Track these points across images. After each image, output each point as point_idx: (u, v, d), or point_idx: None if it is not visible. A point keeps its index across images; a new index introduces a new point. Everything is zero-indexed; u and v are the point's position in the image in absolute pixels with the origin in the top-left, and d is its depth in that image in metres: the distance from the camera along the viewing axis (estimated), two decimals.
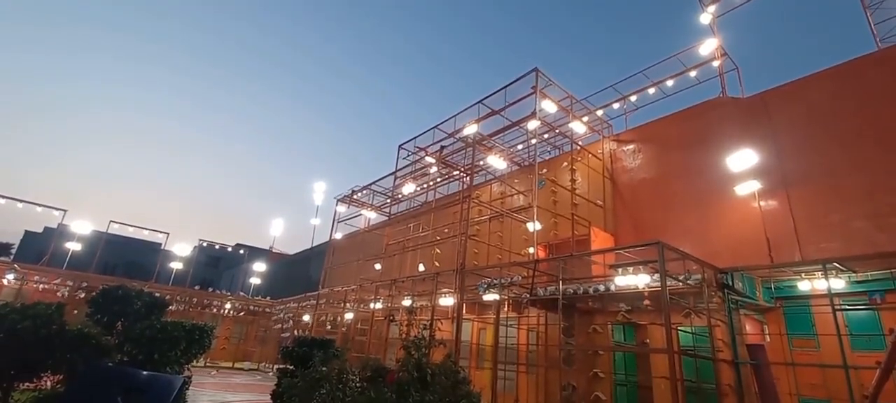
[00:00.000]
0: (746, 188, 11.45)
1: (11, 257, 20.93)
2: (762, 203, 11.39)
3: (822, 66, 11.69)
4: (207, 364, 22.76)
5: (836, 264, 8.19)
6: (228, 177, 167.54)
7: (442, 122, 18.50)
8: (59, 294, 20.55)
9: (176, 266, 29.72)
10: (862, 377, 7.61)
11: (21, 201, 22.29)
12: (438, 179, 21.09)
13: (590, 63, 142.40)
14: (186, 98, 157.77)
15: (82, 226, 23.93)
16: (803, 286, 9.28)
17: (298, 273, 41.06)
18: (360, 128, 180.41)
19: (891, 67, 10.44)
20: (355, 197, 22.27)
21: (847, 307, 8.84)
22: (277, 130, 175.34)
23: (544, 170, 16.61)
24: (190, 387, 8.11)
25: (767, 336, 9.90)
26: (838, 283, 8.61)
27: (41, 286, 20.59)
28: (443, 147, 18.52)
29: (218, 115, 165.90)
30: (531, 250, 13.47)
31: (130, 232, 30.62)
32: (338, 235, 22.75)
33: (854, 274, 8.64)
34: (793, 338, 9.57)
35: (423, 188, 21.90)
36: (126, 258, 51.63)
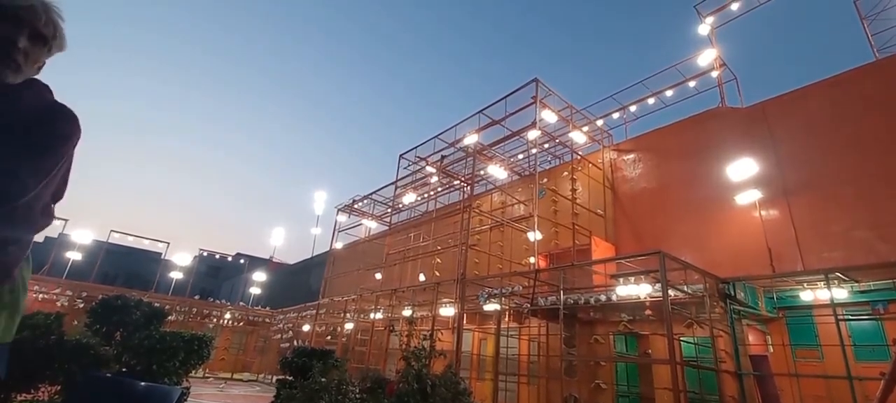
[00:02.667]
0: (747, 197, 11.45)
1: None
2: (763, 212, 11.37)
3: (821, 76, 11.78)
4: (206, 374, 22.59)
5: (838, 274, 8.16)
6: (230, 187, 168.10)
7: (442, 132, 18.56)
8: (58, 303, 20.46)
9: (176, 275, 29.64)
10: (866, 388, 7.53)
11: None
12: (439, 189, 21.10)
13: (588, 76, 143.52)
14: (188, 109, 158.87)
15: (83, 236, 23.91)
16: (806, 296, 9.23)
17: (298, 282, 40.91)
18: (361, 138, 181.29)
19: (889, 77, 10.49)
20: (356, 206, 22.28)
21: (850, 317, 8.78)
22: (278, 140, 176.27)
23: (545, 180, 16.62)
24: (188, 398, 8.04)
25: (770, 347, 9.83)
26: (841, 293, 8.56)
27: (40, 295, 20.51)
28: (443, 156, 18.55)
29: (219, 126, 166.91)
30: (532, 260, 13.43)
31: (131, 242, 30.63)
32: (338, 245, 22.70)
33: (856, 284, 8.59)
34: (796, 349, 9.49)
35: (424, 197, 21.91)
36: (126, 268, 51.56)
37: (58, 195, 1.21)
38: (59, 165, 1.13)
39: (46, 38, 1.27)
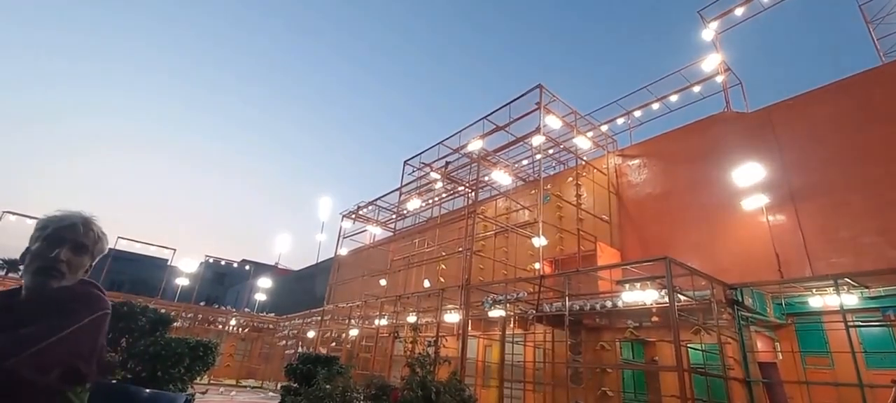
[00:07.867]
0: (754, 203, 11.35)
1: (20, 273, 21.11)
2: (770, 218, 11.27)
3: (827, 80, 11.70)
4: (211, 381, 22.61)
5: (847, 279, 8.05)
6: (236, 193, 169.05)
7: (447, 138, 18.63)
8: None
9: (182, 282, 29.74)
10: (878, 395, 7.42)
11: (31, 217, 22.56)
12: (443, 195, 21.13)
13: (594, 67, 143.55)
14: (195, 113, 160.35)
15: None
16: (815, 302, 9.11)
17: (303, 289, 40.96)
18: (366, 142, 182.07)
19: (895, 81, 10.41)
20: (360, 212, 22.35)
21: (860, 323, 8.66)
22: (283, 146, 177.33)
23: (549, 186, 16.59)
24: None
25: (779, 354, 9.70)
26: (851, 299, 8.45)
27: None
28: (447, 162, 18.59)
29: (225, 131, 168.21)
30: (537, 266, 13.38)
31: (138, 249, 30.84)
32: (343, 251, 22.75)
33: (866, 290, 8.48)
34: (806, 356, 9.36)
35: (429, 203, 21.93)
36: (133, 274, 51.83)
37: (100, 363, 1.46)
38: (77, 328, 1.36)
39: (87, 246, 1.52)
